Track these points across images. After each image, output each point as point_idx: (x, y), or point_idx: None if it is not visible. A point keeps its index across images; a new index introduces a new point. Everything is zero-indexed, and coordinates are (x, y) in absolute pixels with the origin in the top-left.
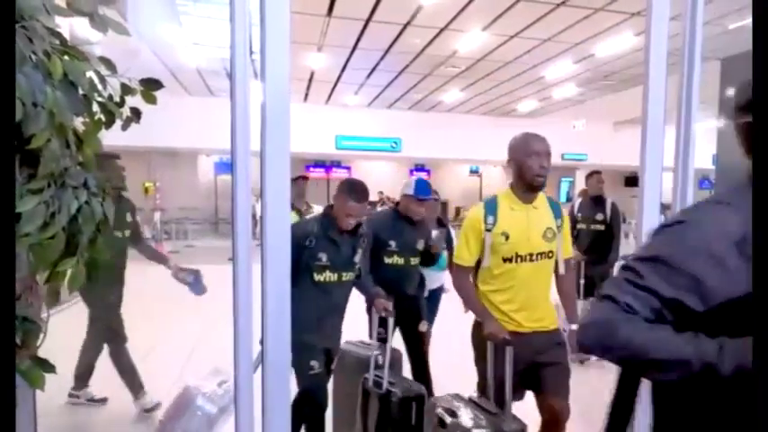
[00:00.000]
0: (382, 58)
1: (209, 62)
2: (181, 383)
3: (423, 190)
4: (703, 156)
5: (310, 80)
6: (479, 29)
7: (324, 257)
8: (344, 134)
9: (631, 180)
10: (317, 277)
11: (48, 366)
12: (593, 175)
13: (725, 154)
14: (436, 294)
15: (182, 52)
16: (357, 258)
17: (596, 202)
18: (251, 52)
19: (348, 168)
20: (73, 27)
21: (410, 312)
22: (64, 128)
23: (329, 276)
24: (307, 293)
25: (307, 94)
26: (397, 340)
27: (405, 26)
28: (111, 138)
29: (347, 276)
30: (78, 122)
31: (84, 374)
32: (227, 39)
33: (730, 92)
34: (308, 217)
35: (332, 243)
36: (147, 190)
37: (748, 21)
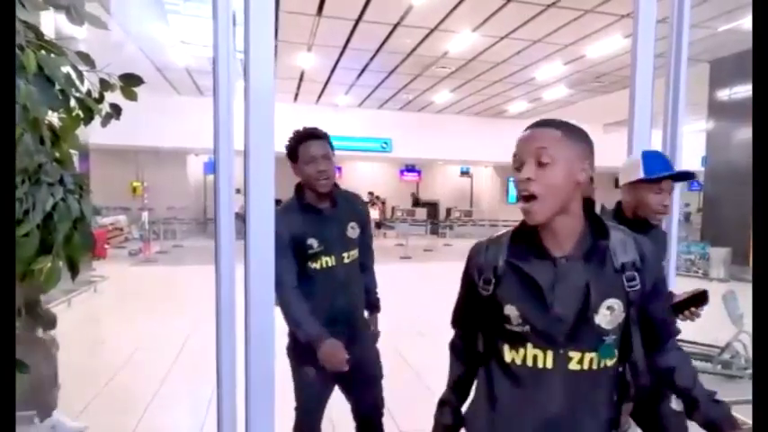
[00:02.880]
0: (372, 58)
1: (197, 61)
2: (168, 383)
3: (660, 163)
4: (692, 157)
5: (300, 80)
6: (470, 30)
7: (513, 313)
8: (334, 134)
9: None
10: (507, 357)
11: (22, 367)
12: None
13: (714, 155)
14: None
15: (170, 51)
16: (605, 322)
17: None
18: (236, 51)
19: (339, 168)
20: (59, 25)
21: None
22: (38, 123)
23: (532, 355)
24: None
25: (297, 94)
26: None
27: (395, 26)
28: (99, 137)
29: (580, 360)
30: (56, 118)
31: None
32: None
33: (720, 94)
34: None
35: (525, 281)
36: (135, 189)
37: (737, 23)
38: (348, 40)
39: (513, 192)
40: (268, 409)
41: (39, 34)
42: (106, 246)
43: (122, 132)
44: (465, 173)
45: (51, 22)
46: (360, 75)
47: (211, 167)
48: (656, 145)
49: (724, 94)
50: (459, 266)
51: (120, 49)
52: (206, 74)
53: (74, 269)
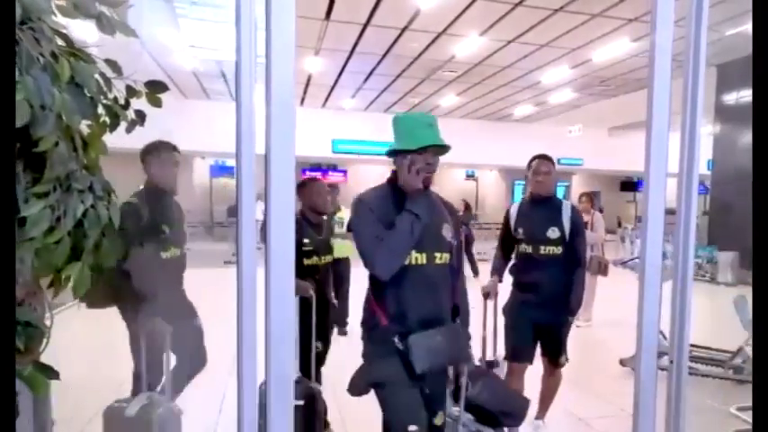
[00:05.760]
0: (379, 62)
1: (205, 65)
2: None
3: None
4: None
5: (307, 84)
6: (477, 34)
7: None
8: (341, 138)
9: (626, 185)
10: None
11: (51, 372)
12: (537, 160)
13: (720, 159)
14: None
15: (178, 55)
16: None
17: (547, 207)
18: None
19: (344, 172)
20: (70, 28)
21: None
22: (70, 131)
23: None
24: None
25: (303, 98)
26: None
27: (402, 30)
28: (107, 140)
29: None
30: (83, 125)
31: None
32: (225, 42)
33: (727, 98)
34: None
35: None
36: None
37: (744, 27)
38: (356, 44)
39: (518, 195)
40: (286, 413)
41: (69, 42)
42: None
43: (130, 136)
44: (470, 176)
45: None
46: (366, 78)
47: (217, 171)
48: (674, 147)
49: (731, 98)
50: (466, 270)
51: (128, 53)
52: (213, 77)
53: (102, 275)
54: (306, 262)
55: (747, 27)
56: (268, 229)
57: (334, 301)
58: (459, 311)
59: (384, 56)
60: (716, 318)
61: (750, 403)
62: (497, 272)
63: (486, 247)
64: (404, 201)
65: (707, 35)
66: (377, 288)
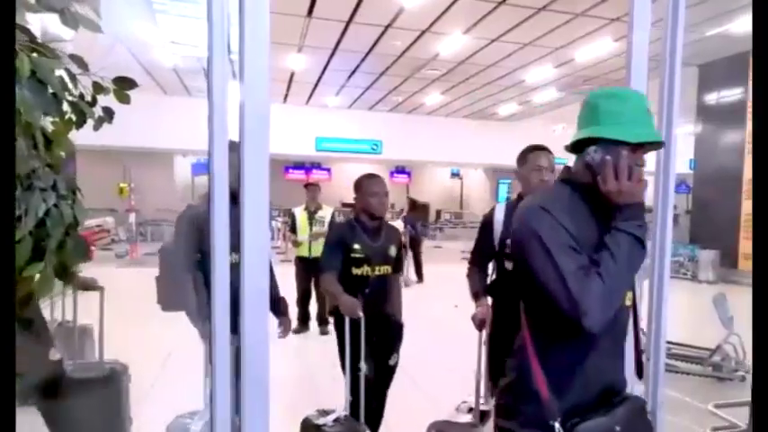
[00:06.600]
0: (363, 59)
1: (186, 61)
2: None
3: None
4: (680, 160)
5: (290, 81)
6: (461, 32)
7: None
8: (324, 136)
9: None
10: None
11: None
12: (535, 152)
13: (702, 158)
14: None
15: (158, 51)
16: None
17: None
18: (229, 52)
19: (328, 170)
20: (45, 24)
21: None
22: (31, 127)
23: None
24: None
25: (286, 95)
26: None
27: (386, 28)
28: (85, 137)
29: None
30: (48, 122)
31: None
32: (205, 38)
33: (709, 97)
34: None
35: None
36: (121, 191)
37: (725, 28)
38: (339, 42)
39: (502, 193)
40: (262, 415)
41: (31, 37)
42: (92, 247)
43: (109, 133)
44: (455, 175)
45: (36, 22)
46: (350, 76)
47: (199, 168)
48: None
49: (712, 98)
50: (451, 269)
51: (106, 49)
52: (193, 74)
53: (67, 276)
54: (354, 271)
55: (728, 27)
56: (242, 227)
57: (402, 321)
58: (641, 369)
59: (367, 54)
60: (696, 315)
61: (728, 400)
62: (483, 292)
63: (470, 247)
64: (602, 214)
65: (687, 36)
66: (544, 342)
